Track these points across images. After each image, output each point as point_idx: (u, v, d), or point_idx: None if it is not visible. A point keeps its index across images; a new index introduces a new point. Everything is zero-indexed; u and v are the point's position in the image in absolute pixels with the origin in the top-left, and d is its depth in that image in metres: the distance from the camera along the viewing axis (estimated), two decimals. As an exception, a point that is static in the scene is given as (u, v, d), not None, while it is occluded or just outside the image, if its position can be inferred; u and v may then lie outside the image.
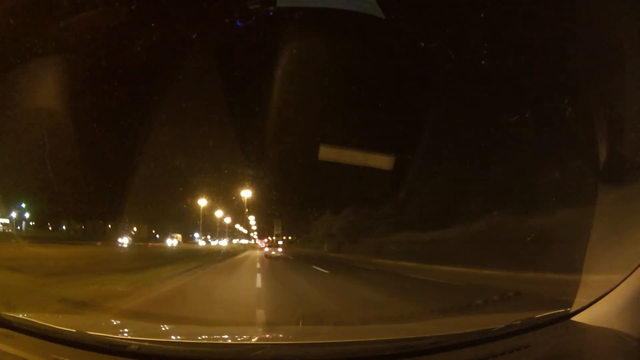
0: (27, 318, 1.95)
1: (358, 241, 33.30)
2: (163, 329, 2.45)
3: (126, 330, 2.20)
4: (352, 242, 34.72)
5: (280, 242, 65.53)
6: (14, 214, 39.17)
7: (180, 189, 35.76)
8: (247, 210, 58.86)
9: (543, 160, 14.64)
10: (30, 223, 45.39)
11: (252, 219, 71.62)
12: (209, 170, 30.85)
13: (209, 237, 64.01)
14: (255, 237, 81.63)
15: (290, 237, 78.12)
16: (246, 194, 39.11)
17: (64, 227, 48.43)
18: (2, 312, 1.96)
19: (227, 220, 59.18)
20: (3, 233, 29.29)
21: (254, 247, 61.94)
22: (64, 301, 4.96)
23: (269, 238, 65.58)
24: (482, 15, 9.33)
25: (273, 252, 24.87)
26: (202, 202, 41.79)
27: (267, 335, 2.58)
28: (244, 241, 78.83)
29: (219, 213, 52.75)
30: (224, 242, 61.35)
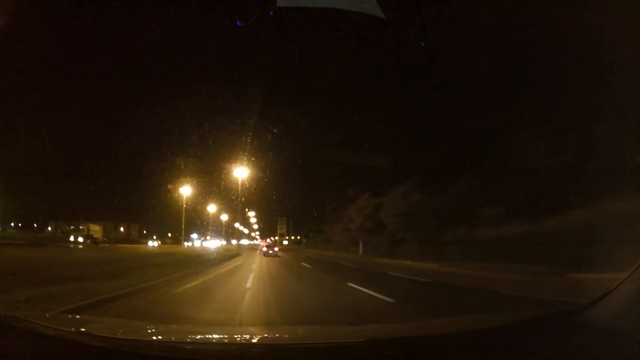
0: (27, 318, 1.95)
1: (434, 237, 19.64)
2: (163, 329, 2.45)
3: (126, 330, 2.20)
4: (423, 240, 20.73)
5: (285, 242, 64.16)
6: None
7: (172, 187, 32.61)
8: (246, 210, 55.97)
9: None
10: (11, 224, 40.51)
11: (254, 219, 66.51)
12: (208, 169, 30.16)
13: (208, 237, 57.29)
14: (258, 237, 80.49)
15: (296, 237, 69.74)
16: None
17: (49, 229, 45.62)
18: (2, 312, 1.96)
19: (224, 217, 50.74)
20: None
21: (255, 248, 53.14)
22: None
23: (272, 238, 64.86)
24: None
25: (270, 252, 29.41)
26: (186, 191, 34.07)
27: (267, 335, 2.57)
28: (245, 242, 74.46)
29: (212, 210, 45.17)
30: (214, 243, 51.08)
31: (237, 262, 19.28)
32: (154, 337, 1.99)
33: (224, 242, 55.89)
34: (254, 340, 2.20)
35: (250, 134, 22.00)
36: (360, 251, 31.18)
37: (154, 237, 51.82)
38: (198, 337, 2.24)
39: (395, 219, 24.85)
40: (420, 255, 19.38)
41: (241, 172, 30.20)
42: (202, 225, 51.49)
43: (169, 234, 54.66)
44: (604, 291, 1.91)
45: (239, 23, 8.25)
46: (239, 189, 32.63)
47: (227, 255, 23.86)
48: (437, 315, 5.47)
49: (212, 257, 20.36)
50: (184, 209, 35.93)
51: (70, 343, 1.69)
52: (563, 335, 1.92)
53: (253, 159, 26.69)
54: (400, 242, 24.07)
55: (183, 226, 39.90)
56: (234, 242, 59.74)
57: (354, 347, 1.85)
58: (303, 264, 18.68)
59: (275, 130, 21.45)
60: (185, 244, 47.12)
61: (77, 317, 3.66)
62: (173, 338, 2.06)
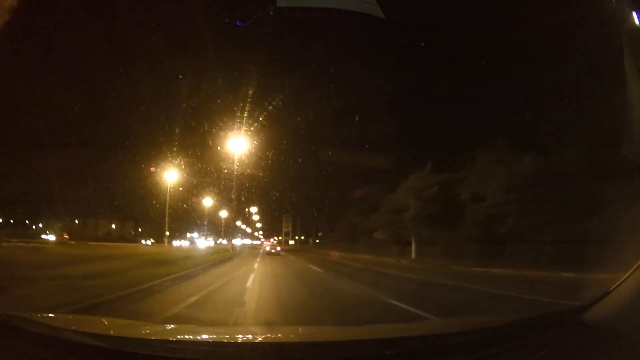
0: (28, 317, 1.95)
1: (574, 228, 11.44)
2: (163, 328, 2.45)
3: (126, 329, 2.20)
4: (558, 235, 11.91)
5: (291, 242, 62.79)
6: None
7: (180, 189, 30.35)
8: (246, 210, 54.55)
9: None
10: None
11: (257, 216, 62.79)
12: (208, 169, 29.09)
13: (209, 236, 52.75)
14: (261, 236, 79.92)
15: (300, 237, 63.97)
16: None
17: (40, 225, 44.07)
18: (3, 312, 1.96)
19: (224, 214, 44.77)
20: None
21: (258, 248, 46.22)
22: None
23: (275, 238, 64.50)
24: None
25: (273, 251, 29.73)
26: (172, 176, 27.44)
27: (267, 335, 2.57)
28: (248, 241, 72.60)
29: (209, 206, 39.41)
30: (208, 243, 46.09)
31: (210, 284, 8.64)
32: (155, 337, 1.99)
33: (224, 242, 51.42)
34: (255, 340, 2.20)
35: (249, 132, 21.49)
36: (413, 254, 21.11)
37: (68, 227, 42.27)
38: (199, 337, 2.24)
39: (500, 198, 14.92)
40: (560, 261, 10.61)
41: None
42: (195, 223, 46.43)
43: (167, 233, 52.01)
44: (604, 291, 1.91)
45: (239, 23, 8.28)
46: (234, 181, 28.72)
47: (210, 262, 15.44)
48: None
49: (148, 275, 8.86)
50: (167, 195, 28.32)
51: (70, 343, 1.69)
52: (563, 335, 1.93)
53: (254, 158, 25.92)
54: (502, 240, 14.18)
55: (167, 221, 31.65)
56: (235, 241, 48.75)
57: (355, 346, 1.85)
58: (398, 304, 6.37)
59: (271, 126, 20.23)
60: (144, 241, 40.25)
61: (77, 317, 3.66)
62: (174, 338, 2.06)
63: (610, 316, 1.84)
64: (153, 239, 44.87)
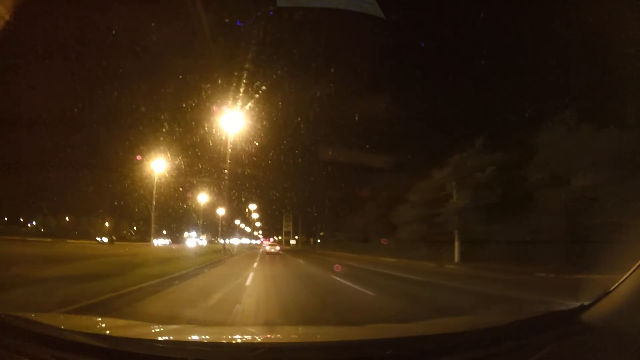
0: (27, 317, 1.95)
1: None
2: (163, 329, 2.45)
3: (126, 329, 2.20)
4: None
5: (292, 242, 62.45)
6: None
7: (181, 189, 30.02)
8: (247, 209, 53.69)
9: None
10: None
11: (256, 215, 61.36)
12: (208, 169, 28.69)
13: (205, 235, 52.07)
14: (261, 236, 79.86)
15: (301, 237, 61.92)
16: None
17: (34, 222, 43.44)
18: (3, 312, 1.96)
19: (221, 212, 40.92)
20: None
21: (257, 248, 45.61)
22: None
23: (275, 238, 64.40)
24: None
25: (272, 250, 30.30)
26: (160, 169, 24.58)
27: (267, 335, 2.57)
28: (246, 241, 72.25)
29: (207, 206, 38.20)
30: (199, 243, 43.94)
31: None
32: (155, 337, 1.98)
33: (221, 241, 50.89)
34: (255, 340, 2.20)
35: (249, 131, 21.34)
36: (456, 257, 17.33)
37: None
38: (199, 337, 2.24)
39: (593, 178, 11.71)
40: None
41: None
42: (195, 222, 44.67)
43: (164, 232, 47.18)
44: (604, 291, 1.91)
45: (239, 23, 8.29)
46: (234, 181, 27.69)
47: (184, 270, 11.19)
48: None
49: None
50: (154, 190, 25.12)
51: (70, 343, 1.69)
52: (563, 335, 1.92)
53: (254, 158, 25.64)
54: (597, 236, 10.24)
55: (152, 218, 28.34)
56: (228, 241, 45.05)
57: (356, 347, 1.85)
58: None
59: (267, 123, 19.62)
60: (98, 239, 37.32)
61: (77, 317, 3.67)
62: (174, 338, 2.06)
63: (610, 316, 1.84)
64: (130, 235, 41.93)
